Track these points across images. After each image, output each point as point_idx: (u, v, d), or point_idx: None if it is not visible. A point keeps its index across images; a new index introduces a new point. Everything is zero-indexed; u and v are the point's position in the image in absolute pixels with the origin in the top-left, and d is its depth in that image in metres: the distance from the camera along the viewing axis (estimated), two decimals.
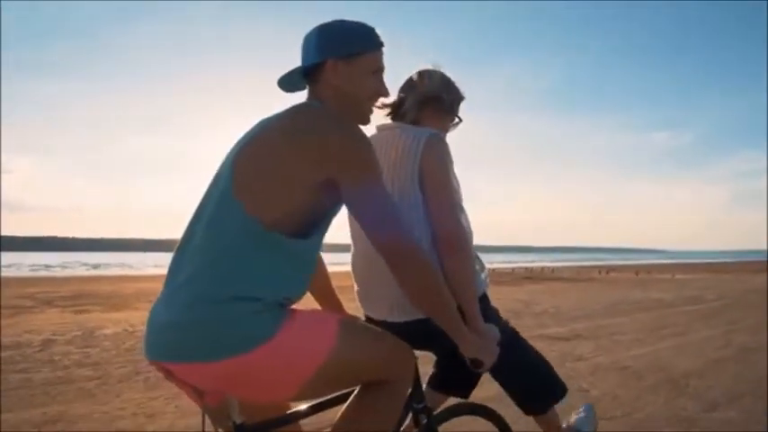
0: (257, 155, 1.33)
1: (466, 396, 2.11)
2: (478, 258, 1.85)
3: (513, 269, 31.91)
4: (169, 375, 1.32)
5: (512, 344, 1.85)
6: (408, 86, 1.91)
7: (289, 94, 1.56)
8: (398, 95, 1.91)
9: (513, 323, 1.97)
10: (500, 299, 12.99)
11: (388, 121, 1.89)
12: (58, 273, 29.08)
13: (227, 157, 1.40)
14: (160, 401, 4.05)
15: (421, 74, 1.91)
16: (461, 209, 1.80)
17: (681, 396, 4.21)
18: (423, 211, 1.71)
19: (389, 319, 1.76)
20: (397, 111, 1.89)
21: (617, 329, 7.73)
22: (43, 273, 29.31)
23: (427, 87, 1.89)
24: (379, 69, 1.51)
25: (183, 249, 1.35)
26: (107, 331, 7.55)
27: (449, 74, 1.94)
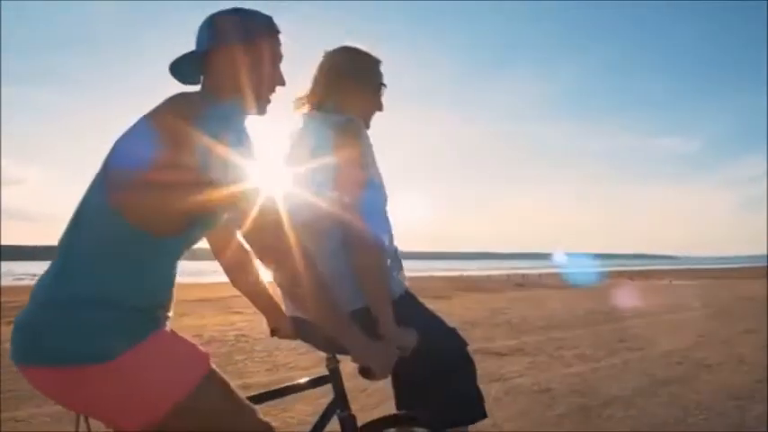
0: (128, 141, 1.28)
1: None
2: (397, 258, 1.75)
3: (509, 276, 31.11)
4: None
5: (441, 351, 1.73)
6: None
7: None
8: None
9: (463, 335, 1.84)
10: (471, 308, 12.38)
11: (312, 111, 1.80)
12: None
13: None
14: None
15: (322, 57, 1.83)
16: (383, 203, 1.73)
17: (586, 430, 3.49)
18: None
19: (298, 314, 1.68)
20: (312, 100, 1.81)
21: (569, 343, 6.98)
22: (27, 282, 28.77)
23: (325, 68, 1.80)
24: (276, 58, 1.44)
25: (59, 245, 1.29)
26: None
27: (363, 46, 1.83)
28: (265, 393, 1.55)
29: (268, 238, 1.27)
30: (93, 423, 1.31)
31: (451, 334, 1.80)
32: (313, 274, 1.30)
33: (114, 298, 1.19)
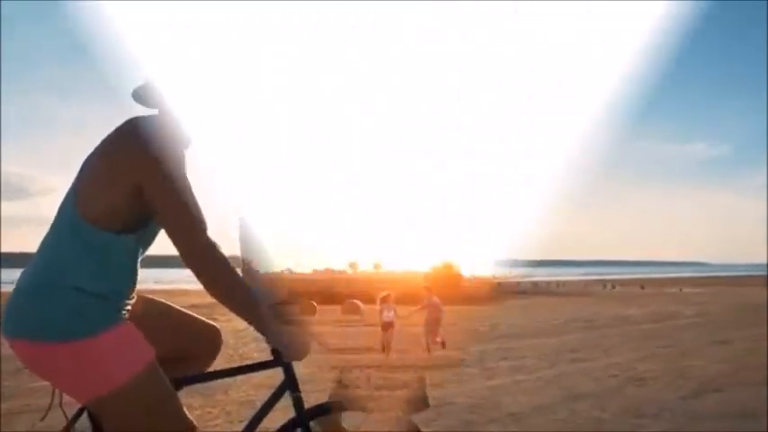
0: (92, 157, 1.48)
1: None
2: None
3: (519, 283, 30.78)
4: None
5: None
6: None
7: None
8: None
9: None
10: (455, 316, 12.16)
11: None
12: None
13: None
14: None
15: None
16: None
17: None
18: None
19: None
20: None
21: (518, 353, 6.77)
22: None
23: None
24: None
25: None
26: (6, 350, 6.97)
27: None
28: (218, 371, 1.70)
29: (187, 244, 1.42)
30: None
31: None
32: (226, 274, 1.45)
33: (79, 285, 1.38)
